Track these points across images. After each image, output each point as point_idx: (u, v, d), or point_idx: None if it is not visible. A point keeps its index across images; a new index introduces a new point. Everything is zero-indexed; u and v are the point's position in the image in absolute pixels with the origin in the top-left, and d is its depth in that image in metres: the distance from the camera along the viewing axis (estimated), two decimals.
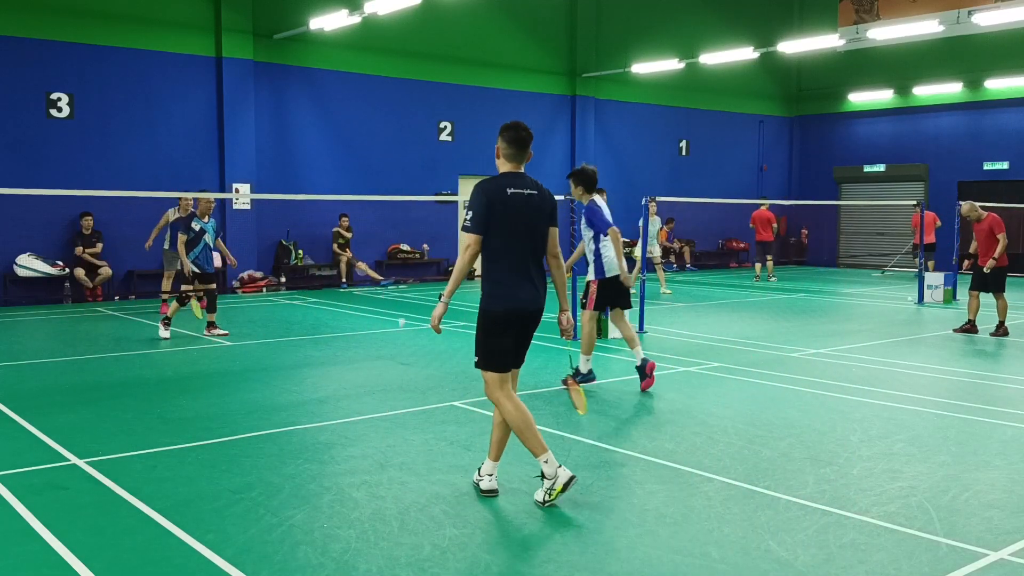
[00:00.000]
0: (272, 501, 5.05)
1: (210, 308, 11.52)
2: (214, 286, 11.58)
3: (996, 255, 11.65)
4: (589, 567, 4.22)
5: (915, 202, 22.42)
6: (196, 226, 11.15)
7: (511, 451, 6.12)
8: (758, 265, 20.80)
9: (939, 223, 21.00)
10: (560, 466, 4.99)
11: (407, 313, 13.97)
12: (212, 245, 11.41)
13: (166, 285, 14.00)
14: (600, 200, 8.22)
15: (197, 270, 11.19)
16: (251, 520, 4.74)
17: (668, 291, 17.23)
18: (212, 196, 11.91)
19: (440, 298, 5.02)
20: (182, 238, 11.17)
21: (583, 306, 8.28)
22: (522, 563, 4.25)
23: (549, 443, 6.25)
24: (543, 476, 5.01)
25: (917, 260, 22.23)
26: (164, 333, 11.24)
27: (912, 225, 22.36)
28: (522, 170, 5.14)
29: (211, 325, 11.54)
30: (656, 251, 17.08)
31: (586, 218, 8.11)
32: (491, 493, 5.20)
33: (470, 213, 4.97)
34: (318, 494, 5.19)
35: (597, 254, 8.09)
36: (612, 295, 8.22)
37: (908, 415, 7.28)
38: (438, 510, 4.91)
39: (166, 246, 13.86)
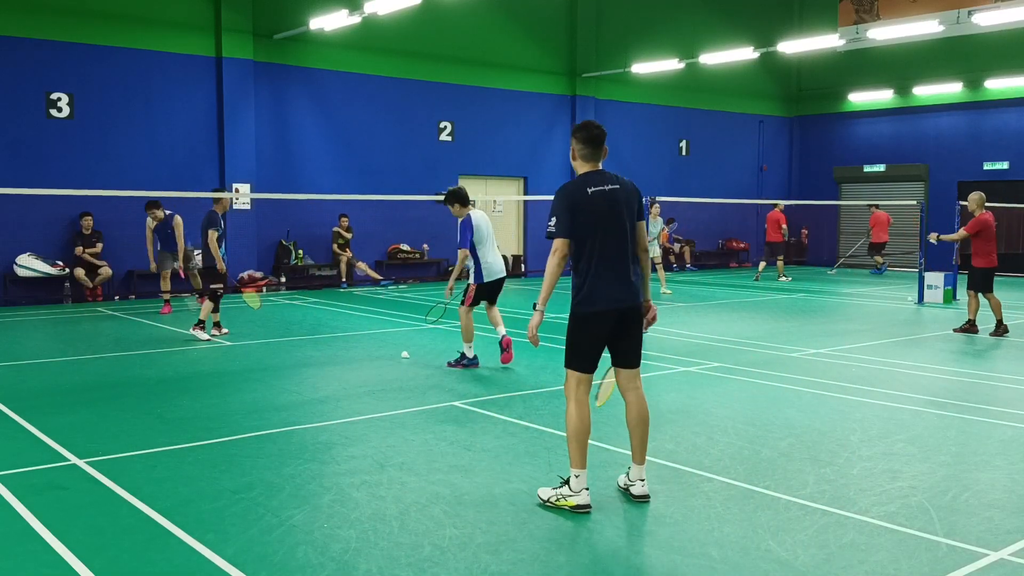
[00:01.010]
0: (272, 501, 5.05)
1: (215, 307, 11.50)
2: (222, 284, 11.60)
3: (945, 236, 13.13)
4: (589, 567, 4.22)
5: (869, 203, 23.25)
6: (223, 222, 11.22)
7: (512, 450, 6.13)
8: (761, 264, 20.82)
9: (891, 222, 22.99)
10: (587, 489, 4.91)
11: (407, 312, 13.98)
12: None
13: (165, 285, 14.02)
14: (477, 217, 9.18)
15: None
16: (251, 520, 4.74)
17: (668, 291, 17.24)
18: (228, 195, 11.98)
19: (534, 307, 4.97)
20: (214, 234, 11.00)
21: (462, 303, 9.41)
22: (522, 563, 4.25)
23: (549, 442, 6.28)
24: (566, 483, 4.97)
25: (877, 258, 23.04)
26: (203, 335, 11.07)
27: (869, 224, 22.90)
28: (600, 167, 5.07)
29: (216, 325, 11.55)
30: (656, 251, 17.10)
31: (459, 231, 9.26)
32: (644, 498, 5.07)
33: (553, 219, 4.90)
34: (318, 494, 5.19)
35: (478, 261, 9.19)
36: (486, 295, 9.39)
37: (908, 415, 7.28)
38: (438, 510, 4.91)
39: (159, 247, 13.87)
